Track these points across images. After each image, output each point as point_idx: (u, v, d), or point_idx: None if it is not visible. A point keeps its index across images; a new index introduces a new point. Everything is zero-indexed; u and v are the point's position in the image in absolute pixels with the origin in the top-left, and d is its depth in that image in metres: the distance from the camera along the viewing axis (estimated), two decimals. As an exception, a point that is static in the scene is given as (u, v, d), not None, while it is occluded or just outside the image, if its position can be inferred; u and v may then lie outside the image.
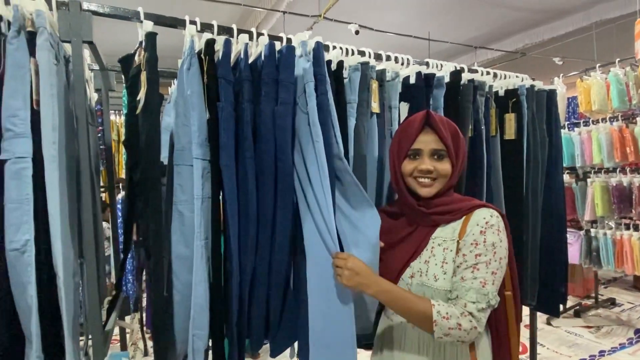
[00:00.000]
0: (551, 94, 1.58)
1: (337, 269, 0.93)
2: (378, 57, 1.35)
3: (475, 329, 0.86)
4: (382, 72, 1.27)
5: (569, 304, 3.41)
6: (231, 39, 1.07)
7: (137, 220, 1.11)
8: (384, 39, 4.40)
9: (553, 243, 1.62)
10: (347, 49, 1.24)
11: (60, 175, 0.87)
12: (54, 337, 0.94)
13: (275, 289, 1.08)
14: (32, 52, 0.87)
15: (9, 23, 0.87)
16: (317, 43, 1.05)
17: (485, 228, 0.91)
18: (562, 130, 2.25)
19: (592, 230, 3.13)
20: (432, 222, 0.98)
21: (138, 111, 0.93)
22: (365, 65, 1.19)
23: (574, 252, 3.15)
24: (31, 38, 0.87)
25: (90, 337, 1.03)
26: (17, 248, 0.83)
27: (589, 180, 3.18)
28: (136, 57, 1.01)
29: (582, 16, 4.60)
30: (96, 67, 1.50)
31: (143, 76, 0.92)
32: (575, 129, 3.30)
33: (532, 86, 1.55)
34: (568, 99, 4.38)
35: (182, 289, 0.99)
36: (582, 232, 3.20)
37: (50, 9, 0.93)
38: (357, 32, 3.98)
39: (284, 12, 3.87)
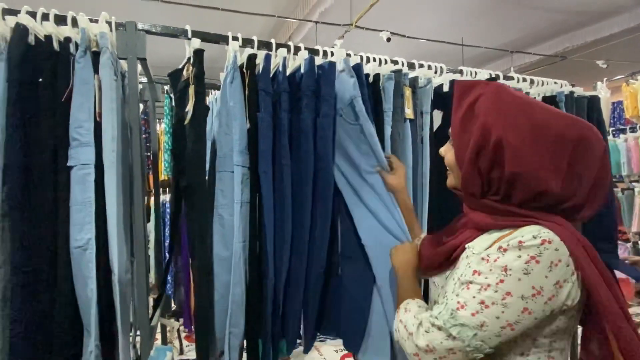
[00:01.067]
0: (593, 101, 1.54)
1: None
2: (411, 65, 1.37)
3: (410, 337, 0.71)
4: (414, 79, 1.29)
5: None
6: (270, 53, 1.13)
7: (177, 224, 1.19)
8: (415, 45, 4.38)
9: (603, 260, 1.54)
10: (380, 59, 1.28)
11: (117, 180, 0.96)
12: (109, 329, 1.03)
13: (313, 290, 1.13)
14: (95, 70, 0.97)
15: (76, 44, 0.98)
16: (358, 64, 1.14)
17: (510, 246, 0.66)
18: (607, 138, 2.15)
19: (641, 242, 2.97)
20: (472, 224, 0.78)
21: (186, 122, 1.01)
22: (398, 73, 1.23)
23: (620, 265, 2.98)
24: (95, 57, 0.97)
25: (138, 331, 1.11)
26: (80, 245, 0.92)
27: (636, 189, 3.02)
28: (184, 72, 1.09)
29: (628, 17, 4.37)
30: (144, 79, 1.62)
31: (191, 90, 1.00)
32: (621, 135, 3.15)
33: (572, 92, 1.51)
34: (613, 103, 4.18)
35: (220, 288, 1.05)
36: (629, 245, 3.03)
37: (110, 29, 1.04)
38: (388, 40, 4.00)
39: (316, 22, 3.95)
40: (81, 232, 0.92)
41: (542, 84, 1.57)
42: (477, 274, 0.68)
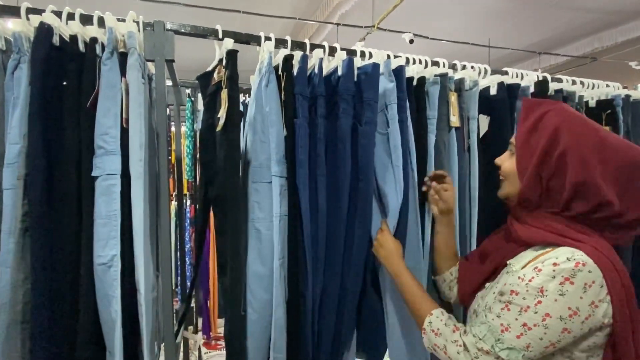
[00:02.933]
0: (653, 105, 1.41)
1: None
2: (452, 66, 1.27)
3: None
4: (460, 82, 1.19)
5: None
6: (307, 54, 1.05)
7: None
8: (439, 47, 4.27)
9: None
10: (426, 61, 1.18)
11: (145, 191, 0.89)
12: (132, 349, 0.96)
13: (349, 309, 1.04)
14: (122, 72, 0.90)
15: (103, 45, 0.91)
16: (401, 66, 1.04)
17: (544, 267, 0.68)
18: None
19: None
20: (514, 238, 0.80)
21: (219, 128, 0.93)
22: (444, 77, 1.13)
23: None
24: (122, 59, 0.90)
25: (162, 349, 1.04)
26: (105, 262, 0.85)
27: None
28: (215, 75, 1.02)
29: (662, 16, 4.17)
30: (168, 82, 1.57)
31: (224, 94, 0.92)
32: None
33: (628, 96, 1.39)
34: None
35: (258, 307, 0.97)
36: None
37: (138, 30, 0.97)
38: (411, 41, 3.89)
39: (338, 24, 3.88)
40: (105, 248, 0.85)
41: (594, 87, 1.45)
42: (514, 294, 0.70)
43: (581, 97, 1.35)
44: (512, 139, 0.83)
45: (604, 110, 1.34)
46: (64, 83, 0.87)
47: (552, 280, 0.67)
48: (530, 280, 0.69)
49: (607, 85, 1.48)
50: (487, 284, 0.84)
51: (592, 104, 1.40)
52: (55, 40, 0.88)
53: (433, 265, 1.08)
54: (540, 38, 4.76)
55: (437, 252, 1.06)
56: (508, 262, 0.79)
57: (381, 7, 3.71)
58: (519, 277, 0.71)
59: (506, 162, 0.84)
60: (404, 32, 3.83)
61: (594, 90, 1.44)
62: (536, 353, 0.68)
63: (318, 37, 4.31)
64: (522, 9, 4.08)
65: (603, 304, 0.67)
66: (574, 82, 1.41)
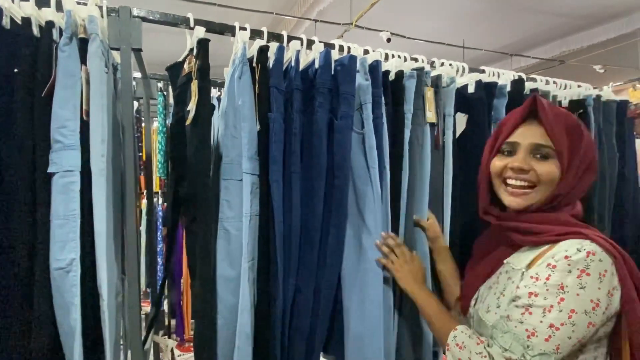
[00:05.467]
0: (622, 105, 1.45)
1: (389, 252, 0.98)
2: (431, 64, 1.26)
3: None
4: (437, 78, 1.17)
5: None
6: (283, 45, 1.00)
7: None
8: (415, 47, 4.31)
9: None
10: (405, 57, 1.16)
11: (107, 190, 0.82)
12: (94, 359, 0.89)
13: (323, 314, 1.00)
14: (82, 60, 0.83)
15: (60, 30, 0.84)
16: (377, 61, 1.00)
17: (558, 263, 0.67)
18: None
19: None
20: (511, 241, 0.78)
21: (188, 122, 0.87)
22: (420, 71, 1.11)
23: None
24: (82, 45, 0.83)
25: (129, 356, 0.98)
26: (62, 267, 0.78)
27: None
28: (185, 65, 0.96)
29: (625, 22, 4.37)
30: (137, 74, 1.48)
31: (194, 85, 0.87)
32: None
33: (599, 96, 1.42)
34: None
35: (225, 313, 0.92)
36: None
37: (101, 15, 0.90)
38: (388, 40, 3.91)
39: (315, 21, 3.84)
40: (63, 251, 0.78)
41: (566, 87, 1.48)
42: (534, 296, 0.67)
43: (554, 96, 1.37)
44: (542, 141, 0.75)
45: (576, 109, 1.37)
46: (15, 70, 0.79)
47: (569, 274, 0.65)
48: (547, 279, 0.66)
49: (579, 86, 1.52)
50: (482, 287, 0.84)
51: (565, 103, 1.43)
52: (6, 22, 0.80)
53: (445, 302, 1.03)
54: (512, 40, 4.90)
55: (446, 287, 1.04)
56: (505, 261, 0.78)
57: (359, 5, 3.70)
58: (531, 277, 0.68)
59: (541, 166, 0.75)
60: (381, 31, 3.84)
61: (566, 90, 1.47)
62: (565, 353, 0.65)
63: (296, 33, 4.24)
64: (496, 12, 4.17)
65: (616, 291, 0.66)
66: (547, 82, 1.44)
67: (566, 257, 0.66)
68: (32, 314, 0.79)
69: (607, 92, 1.53)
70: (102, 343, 0.85)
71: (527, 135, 0.76)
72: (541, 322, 0.65)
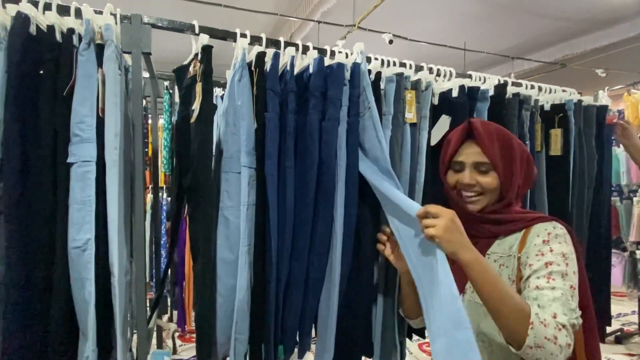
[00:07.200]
0: (602, 110, 1.52)
1: (428, 220, 0.83)
2: (419, 68, 1.34)
3: (568, 347, 0.73)
4: (416, 82, 1.25)
5: (608, 329, 3.22)
6: (279, 51, 1.10)
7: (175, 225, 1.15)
8: (418, 48, 4.37)
9: (597, 263, 1.56)
10: (387, 61, 1.25)
11: (119, 179, 0.92)
12: (105, 332, 0.99)
13: (312, 296, 1.10)
14: (99, 63, 0.93)
15: (80, 36, 0.94)
16: (354, 64, 1.09)
17: (549, 238, 0.84)
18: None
19: (638, 252, 2.97)
20: (488, 233, 0.92)
21: (192, 120, 0.97)
22: (400, 76, 1.19)
23: (617, 275, 2.99)
24: (99, 50, 0.94)
25: (135, 334, 1.08)
26: (79, 246, 0.89)
27: (634, 199, 3.03)
28: (190, 68, 1.06)
29: (628, 26, 4.40)
30: (145, 74, 1.58)
31: (198, 87, 0.96)
32: (621, 145, 3.15)
33: (580, 101, 1.50)
34: (612, 112, 4.17)
35: (224, 292, 1.02)
36: (626, 254, 3.04)
37: (115, 22, 1.00)
38: (390, 42, 3.98)
39: (319, 22, 3.92)
40: (80, 232, 0.88)
41: (550, 91, 1.56)
42: (550, 265, 0.81)
43: (537, 101, 1.45)
44: (481, 159, 0.90)
45: (557, 113, 1.45)
46: (41, 72, 0.89)
47: (565, 245, 0.83)
48: (551, 251, 0.82)
49: (564, 91, 1.59)
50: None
51: (547, 107, 1.51)
52: (32, 29, 0.91)
53: (403, 308, 1.10)
54: (514, 43, 4.94)
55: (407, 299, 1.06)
56: (488, 253, 0.92)
57: (362, 7, 3.78)
58: (536, 255, 0.83)
59: (483, 179, 0.90)
60: (383, 33, 3.91)
61: (550, 94, 1.55)
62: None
63: (300, 34, 4.34)
64: (498, 15, 4.22)
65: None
66: (532, 87, 1.51)
67: (549, 233, 0.85)
68: (52, 288, 0.90)
69: (589, 98, 1.61)
70: (112, 316, 0.95)
71: (469, 154, 0.93)
72: (564, 285, 0.79)
